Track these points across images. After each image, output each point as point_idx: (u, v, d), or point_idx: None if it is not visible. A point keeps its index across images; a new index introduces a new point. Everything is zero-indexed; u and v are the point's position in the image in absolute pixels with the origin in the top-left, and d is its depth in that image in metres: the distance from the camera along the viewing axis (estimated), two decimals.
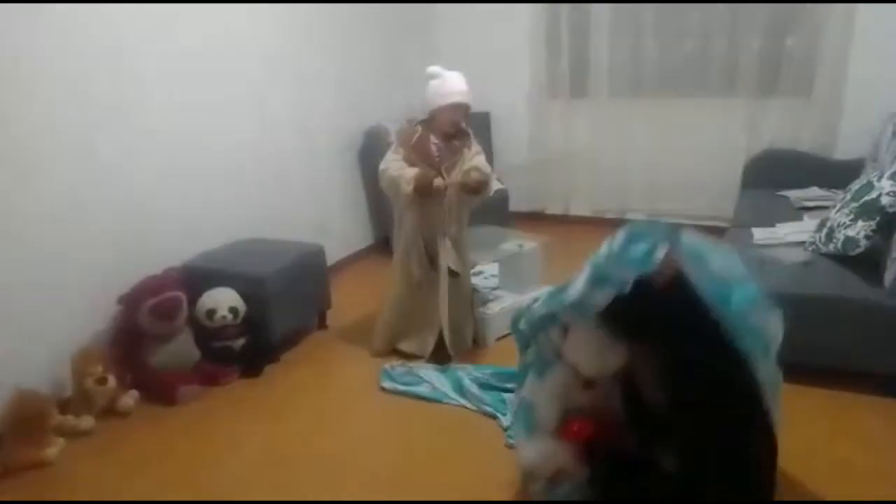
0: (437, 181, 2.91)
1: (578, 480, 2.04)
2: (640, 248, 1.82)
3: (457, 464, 2.43)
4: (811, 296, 2.68)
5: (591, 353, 2.01)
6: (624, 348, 1.97)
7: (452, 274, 3.08)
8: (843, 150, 4.15)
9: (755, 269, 2.83)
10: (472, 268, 3.37)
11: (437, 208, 2.99)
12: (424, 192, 2.91)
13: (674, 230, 1.84)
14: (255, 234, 3.62)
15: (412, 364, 3.10)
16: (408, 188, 2.91)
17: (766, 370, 1.75)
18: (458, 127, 3.04)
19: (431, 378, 2.96)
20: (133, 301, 2.92)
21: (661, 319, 1.84)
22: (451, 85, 2.97)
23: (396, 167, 2.97)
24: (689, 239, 1.84)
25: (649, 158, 4.89)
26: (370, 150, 4.51)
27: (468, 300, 3.23)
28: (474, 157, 3.03)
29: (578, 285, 1.95)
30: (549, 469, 2.06)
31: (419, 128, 3.05)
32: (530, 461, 2.11)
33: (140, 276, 3.00)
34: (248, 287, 3.11)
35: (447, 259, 3.05)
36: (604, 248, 1.96)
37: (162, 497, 2.31)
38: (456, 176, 2.97)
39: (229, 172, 3.59)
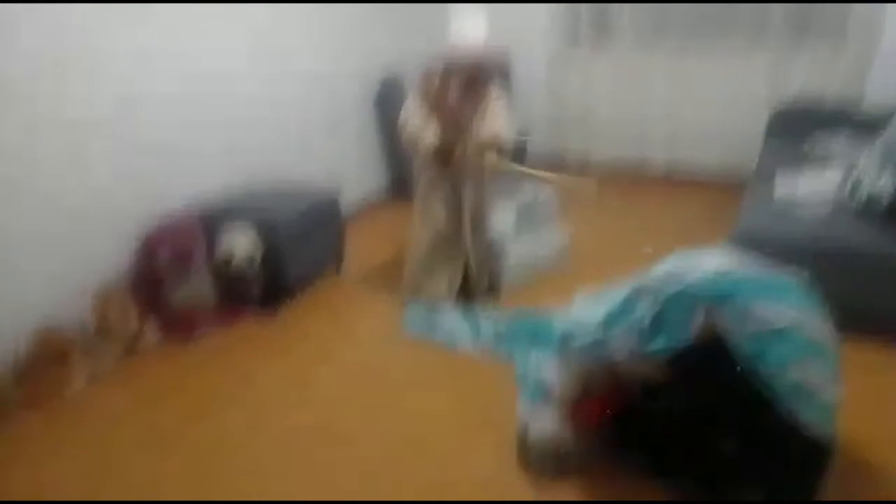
0: (457, 152, 2.89)
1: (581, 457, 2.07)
2: (678, 315, 1.77)
3: (466, 407, 2.47)
4: (834, 249, 2.64)
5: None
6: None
7: (475, 221, 3.08)
8: (872, 101, 4.02)
9: (778, 221, 2.81)
10: (490, 215, 3.35)
11: (458, 163, 2.97)
12: (445, 161, 2.91)
13: (721, 290, 1.75)
14: (269, 182, 3.63)
15: (434, 308, 3.13)
16: (427, 151, 2.90)
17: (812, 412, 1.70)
18: (478, 72, 2.97)
19: (451, 322, 3.00)
20: (151, 243, 2.96)
21: (692, 368, 1.81)
22: (471, 30, 2.89)
23: (417, 122, 2.93)
24: (736, 289, 1.74)
25: (671, 109, 4.79)
26: (386, 99, 4.46)
27: (487, 246, 3.24)
28: (493, 106, 2.95)
29: (607, 332, 1.95)
30: (553, 448, 2.08)
31: (439, 75, 2.98)
32: (536, 438, 2.12)
33: (159, 217, 3.04)
34: (265, 231, 3.12)
35: (469, 205, 3.04)
36: (636, 296, 1.90)
37: (178, 428, 2.40)
38: (479, 126, 2.91)
39: (244, 121, 3.58)
